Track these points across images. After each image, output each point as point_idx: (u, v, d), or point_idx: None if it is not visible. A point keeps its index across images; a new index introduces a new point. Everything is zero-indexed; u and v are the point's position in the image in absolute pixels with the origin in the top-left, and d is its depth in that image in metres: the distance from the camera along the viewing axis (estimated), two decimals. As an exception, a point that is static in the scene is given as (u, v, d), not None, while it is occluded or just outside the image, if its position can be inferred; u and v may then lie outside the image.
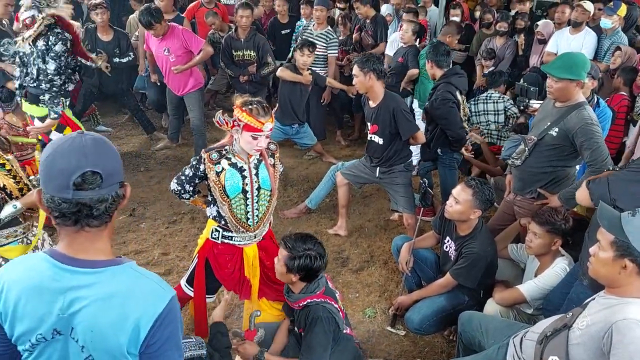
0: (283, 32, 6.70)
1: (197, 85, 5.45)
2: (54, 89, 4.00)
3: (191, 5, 6.56)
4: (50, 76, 3.95)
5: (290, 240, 2.51)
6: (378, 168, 4.07)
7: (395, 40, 5.89)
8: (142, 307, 1.36)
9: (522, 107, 4.55)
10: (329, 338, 2.44)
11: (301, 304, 2.54)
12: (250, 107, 2.51)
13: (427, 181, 3.56)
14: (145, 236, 4.38)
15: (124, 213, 4.68)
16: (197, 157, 2.66)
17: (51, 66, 3.93)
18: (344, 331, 2.63)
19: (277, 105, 5.15)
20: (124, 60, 5.72)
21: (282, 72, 5.09)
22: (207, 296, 2.91)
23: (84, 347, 1.37)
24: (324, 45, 5.73)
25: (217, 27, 6.25)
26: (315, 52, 5.19)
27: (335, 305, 2.55)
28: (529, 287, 2.95)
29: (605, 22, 5.32)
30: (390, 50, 5.95)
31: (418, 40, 5.63)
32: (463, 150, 4.36)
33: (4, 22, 4.87)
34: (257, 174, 2.69)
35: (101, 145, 1.35)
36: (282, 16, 6.72)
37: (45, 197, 1.31)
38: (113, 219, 1.41)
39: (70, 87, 4.19)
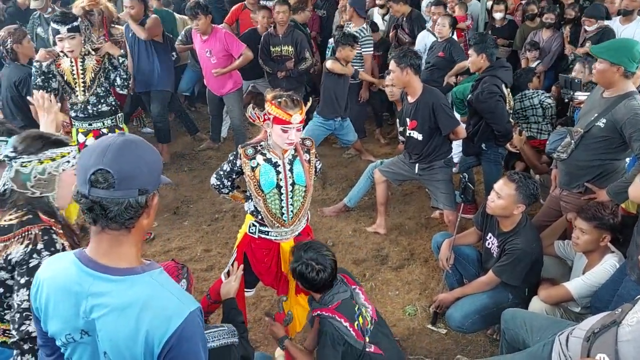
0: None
1: (236, 86, 5.55)
2: None
3: (234, 8, 6.63)
4: None
5: (296, 246, 2.57)
6: (417, 164, 4.01)
7: (426, 36, 5.84)
8: (157, 321, 1.31)
9: (566, 100, 4.40)
10: (336, 354, 2.41)
11: (313, 314, 2.57)
12: (279, 100, 2.53)
13: (467, 175, 3.48)
14: (189, 233, 4.48)
15: (168, 211, 4.80)
16: (234, 153, 2.71)
17: None
18: (368, 349, 2.50)
19: (319, 100, 5.16)
20: None
21: (333, 64, 5.03)
22: (245, 290, 2.95)
23: (106, 353, 1.37)
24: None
25: (263, 27, 6.21)
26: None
27: (345, 324, 2.43)
28: (577, 285, 2.84)
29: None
30: (419, 47, 5.86)
31: (453, 32, 5.56)
32: (508, 145, 4.25)
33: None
34: (291, 170, 2.70)
35: (127, 148, 1.32)
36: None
37: (75, 190, 1.33)
38: (140, 227, 1.38)
39: None
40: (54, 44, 4.00)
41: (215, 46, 5.25)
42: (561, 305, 2.94)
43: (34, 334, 1.75)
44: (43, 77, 3.86)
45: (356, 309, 2.54)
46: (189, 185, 5.34)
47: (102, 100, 4.03)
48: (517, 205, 2.99)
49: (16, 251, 1.81)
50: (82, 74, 3.94)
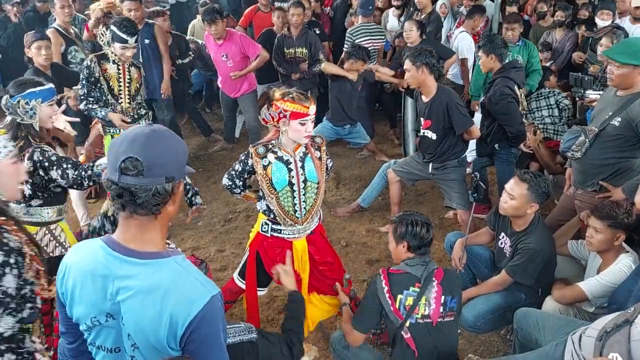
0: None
1: (251, 87, 5.61)
2: None
3: (247, 10, 6.68)
4: None
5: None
6: (431, 164, 4.01)
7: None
8: (181, 303, 1.36)
9: (577, 98, 4.36)
10: (372, 309, 2.53)
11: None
12: (291, 95, 2.57)
13: (478, 174, 3.47)
14: (202, 233, 4.52)
15: (182, 211, 4.84)
16: (246, 152, 2.73)
17: None
18: (404, 334, 2.48)
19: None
20: (185, 60, 6.01)
21: (328, 67, 5.05)
22: (258, 289, 2.96)
23: (130, 336, 1.41)
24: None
25: (279, 27, 6.26)
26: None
27: (385, 287, 2.49)
28: (591, 284, 2.81)
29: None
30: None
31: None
32: (522, 145, 4.22)
33: (71, 30, 5.16)
34: (302, 167, 2.72)
35: (156, 137, 1.38)
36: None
37: (104, 179, 1.39)
38: (166, 213, 1.43)
39: None
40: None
41: (231, 49, 5.30)
42: (575, 305, 2.91)
43: (5, 334, 1.73)
44: (90, 81, 3.90)
45: (411, 289, 2.50)
46: (203, 186, 5.38)
47: (141, 104, 4.19)
48: (530, 204, 2.97)
49: None
50: (129, 83, 4.04)
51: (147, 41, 5.23)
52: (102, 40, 3.96)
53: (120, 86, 3.99)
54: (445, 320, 2.52)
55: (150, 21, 5.40)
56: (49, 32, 4.90)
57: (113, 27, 3.86)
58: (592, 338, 2.11)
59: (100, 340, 1.48)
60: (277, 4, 6.60)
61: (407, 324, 2.48)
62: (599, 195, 3.13)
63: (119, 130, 4.05)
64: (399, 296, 2.49)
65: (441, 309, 2.51)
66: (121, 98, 4.02)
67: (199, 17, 6.82)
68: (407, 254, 2.60)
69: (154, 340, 1.38)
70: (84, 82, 3.92)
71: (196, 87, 7.09)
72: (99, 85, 3.96)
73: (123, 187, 1.34)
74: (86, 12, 6.43)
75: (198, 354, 1.38)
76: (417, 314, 2.49)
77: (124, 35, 3.82)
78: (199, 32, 6.74)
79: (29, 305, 1.82)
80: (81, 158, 4.62)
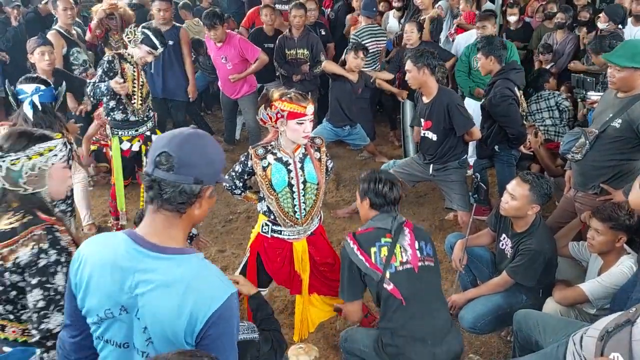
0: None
1: (251, 89, 5.63)
2: None
3: (250, 12, 6.70)
4: None
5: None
6: (431, 165, 4.01)
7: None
8: (202, 299, 1.39)
9: (579, 99, 4.36)
10: (351, 275, 2.49)
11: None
12: (289, 96, 2.58)
13: (479, 176, 3.47)
14: (203, 234, 4.50)
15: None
16: (245, 154, 2.74)
17: None
18: (386, 286, 2.42)
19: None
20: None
21: (329, 65, 5.06)
22: (259, 289, 2.96)
23: (146, 329, 1.42)
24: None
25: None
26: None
27: (353, 246, 2.46)
28: (592, 286, 2.80)
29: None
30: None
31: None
32: (522, 147, 4.22)
33: (73, 31, 5.17)
34: (302, 168, 2.73)
35: (193, 139, 1.44)
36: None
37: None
38: (191, 215, 1.47)
39: None
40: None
41: (230, 52, 5.32)
42: (576, 306, 2.91)
43: (55, 331, 1.81)
44: (109, 75, 3.91)
45: (383, 240, 2.48)
46: (204, 187, 5.39)
47: (149, 107, 4.25)
48: (531, 205, 2.97)
49: (23, 254, 1.84)
50: (142, 85, 4.08)
51: (171, 42, 5.23)
52: (129, 38, 3.97)
53: (134, 87, 4.03)
54: (425, 264, 2.50)
55: (177, 24, 5.50)
56: (50, 34, 4.90)
57: (146, 31, 3.91)
58: (593, 338, 2.10)
59: (109, 334, 1.49)
60: (277, 6, 6.61)
61: (388, 275, 2.43)
62: (600, 198, 3.13)
63: (128, 132, 4.12)
64: (372, 249, 2.46)
65: (418, 254, 2.49)
66: (134, 99, 4.06)
67: (189, 21, 6.81)
68: (371, 212, 2.60)
69: (172, 334, 1.40)
70: (100, 74, 3.92)
71: (199, 89, 7.07)
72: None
73: (153, 180, 1.40)
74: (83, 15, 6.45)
75: (212, 350, 1.40)
76: (395, 263, 2.45)
77: (156, 42, 3.90)
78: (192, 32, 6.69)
79: None
80: (80, 151, 4.67)
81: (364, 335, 2.67)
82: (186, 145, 1.41)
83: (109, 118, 4.10)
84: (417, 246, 2.49)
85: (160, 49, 3.97)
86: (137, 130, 4.15)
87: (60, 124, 3.26)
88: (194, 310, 1.37)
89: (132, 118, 4.08)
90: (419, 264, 2.48)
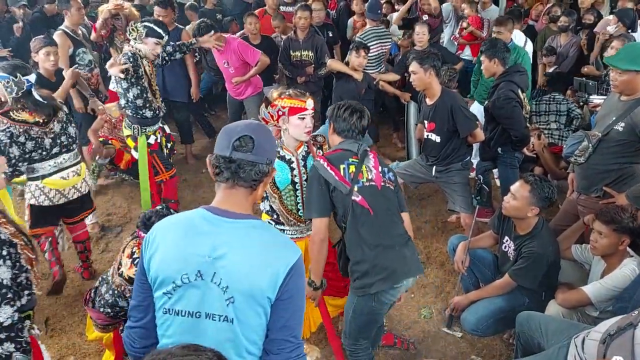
0: None
1: (256, 90, 5.63)
2: None
3: (255, 12, 6.71)
4: None
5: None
6: (434, 167, 4.00)
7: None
8: (281, 255, 1.56)
9: (582, 103, 4.36)
10: (319, 189, 2.54)
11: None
12: (288, 93, 2.63)
13: (482, 178, 3.47)
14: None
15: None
16: None
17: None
18: (355, 198, 2.52)
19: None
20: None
21: (333, 63, 5.04)
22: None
23: (227, 288, 1.52)
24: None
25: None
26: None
27: (323, 163, 2.53)
28: (595, 288, 2.80)
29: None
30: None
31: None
32: (525, 149, 4.23)
33: (79, 31, 5.18)
34: (304, 166, 2.75)
35: (263, 127, 1.68)
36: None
37: (212, 158, 1.60)
38: (258, 192, 1.64)
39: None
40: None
41: (231, 57, 5.33)
42: (578, 309, 2.91)
43: (5, 324, 1.83)
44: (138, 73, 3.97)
45: (350, 160, 2.58)
46: (207, 187, 5.41)
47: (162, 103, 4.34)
48: (530, 207, 2.98)
49: None
50: (156, 81, 4.20)
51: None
52: (133, 36, 3.99)
53: (151, 82, 4.13)
54: (387, 186, 2.63)
55: (179, 26, 5.54)
56: (57, 34, 4.90)
57: (148, 24, 3.96)
58: (595, 341, 2.11)
59: (181, 305, 1.56)
60: (282, 8, 6.62)
61: (356, 188, 2.55)
62: (603, 202, 3.13)
63: (152, 128, 4.27)
64: (341, 166, 2.56)
65: (382, 176, 2.63)
66: (156, 95, 4.18)
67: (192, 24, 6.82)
68: (337, 137, 2.68)
69: (255, 289, 1.51)
70: (131, 70, 3.94)
71: (204, 89, 7.09)
72: (141, 82, 4.04)
73: (232, 161, 1.55)
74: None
75: (288, 306, 1.55)
76: (362, 179, 2.57)
77: (160, 31, 3.97)
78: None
79: (26, 292, 1.96)
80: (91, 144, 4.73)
81: (349, 300, 2.72)
82: (260, 131, 1.61)
83: (137, 116, 4.15)
84: (380, 170, 2.63)
85: (166, 37, 4.04)
86: (155, 125, 4.29)
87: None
88: (275, 265, 1.52)
89: (156, 113, 4.22)
90: (382, 184, 2.62)
